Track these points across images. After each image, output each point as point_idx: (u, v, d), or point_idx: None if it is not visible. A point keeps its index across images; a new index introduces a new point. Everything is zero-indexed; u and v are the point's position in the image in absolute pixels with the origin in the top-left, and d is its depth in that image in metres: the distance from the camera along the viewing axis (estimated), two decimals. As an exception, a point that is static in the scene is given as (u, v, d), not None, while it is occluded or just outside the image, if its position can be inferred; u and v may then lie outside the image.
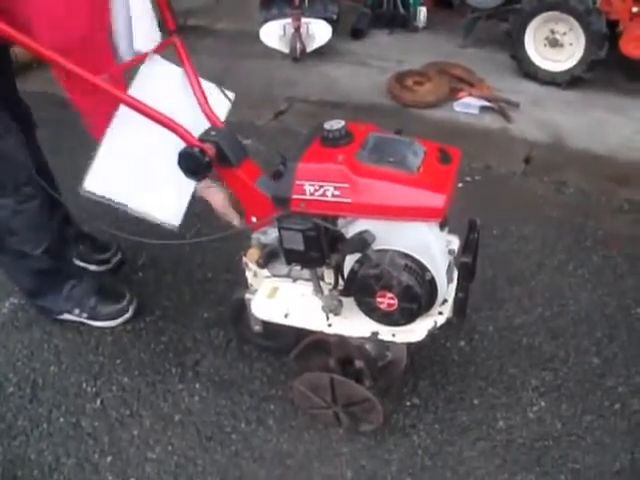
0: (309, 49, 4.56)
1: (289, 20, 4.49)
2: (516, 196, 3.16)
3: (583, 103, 3.92)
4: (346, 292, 1.82)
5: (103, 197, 1.81)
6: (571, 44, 3.97)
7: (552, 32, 3.99)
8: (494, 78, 4.10)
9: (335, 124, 1.69)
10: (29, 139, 2.31)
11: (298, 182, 1.67)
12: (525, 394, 2.19)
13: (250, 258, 1.92)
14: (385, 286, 1.70)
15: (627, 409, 2.12)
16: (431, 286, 1.72)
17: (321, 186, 1.65)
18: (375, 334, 1.84)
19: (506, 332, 2.40)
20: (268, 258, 1.92)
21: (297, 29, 4.48)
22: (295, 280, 1.98)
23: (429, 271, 1.70)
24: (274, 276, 2.00)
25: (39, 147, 2.50)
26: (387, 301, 1.72)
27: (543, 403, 2.16)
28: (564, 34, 3.97)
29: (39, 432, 2.18)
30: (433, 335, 2.31)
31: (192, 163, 1.75)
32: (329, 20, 4.58)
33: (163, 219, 1.88)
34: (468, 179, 3.22)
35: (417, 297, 1.69)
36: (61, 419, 2.22)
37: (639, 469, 1.96)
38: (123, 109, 1.77)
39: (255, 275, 2.03)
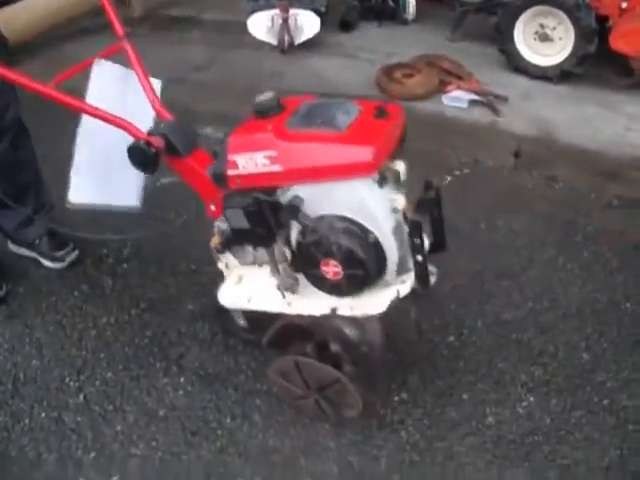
0: (297, 41, 4.51)
1: (277, 11, 4.44)
2: (505, 190, 3.13)
3: (573, 98, 3.89)
4: (295, 266, 1.79)
5: (87, 205, 2.05)
6: (561, 38, 3.93)
7: (542, 26, 3.96)
8: (483, 72, 4.07)
9: (265, 95, 1.69)
10: None
11: (230, 157, 1.67)
12: (514, 389, 2.17)
13: (213, 246, 1.91)
14: (326, 253, 1.67)
15: (616, 404, 2.10)
16: (376, 249, 1.67)
17: (251, 158, 1.64)
18: (334, 310, 1.80)
19: (495, 327, 2.38)
20: (226, 243, 1.89)
21: (285, 20, 4.43)
22: (261, 265, 1.94)
23: (371, 232, 1.65)
24: (242, 264, 1.97)
25: None
26: (332, 269, 1.69)
27: (532, 398, 2.14)
28: (554, 28, 3.94)
29: (20, 428, 2.14)
30: (421, 330, 2.32)
31: (140, 156, 1.80)
32: (317, 12, 4.53)
33: (126, 204, 2.11)
34: (457, 173, 3.20)
35: (361, 262, 1.65)
36: (43, 414, 2.18)
37: (628, 465, 1.95)
38: (84, 120, 1.99)
39: (227, 266, 2.00)
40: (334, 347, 1.89)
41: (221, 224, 1.91)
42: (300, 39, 4.52)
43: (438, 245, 1.84)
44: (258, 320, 2.01)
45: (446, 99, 3.85)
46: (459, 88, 3.88)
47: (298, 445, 2.03)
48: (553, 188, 3.16)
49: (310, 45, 4.56)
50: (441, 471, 1.96)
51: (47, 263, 2.69)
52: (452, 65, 4.07)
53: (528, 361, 2.25)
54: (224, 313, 2.18)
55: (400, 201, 1.72)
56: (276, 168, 1.64)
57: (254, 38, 4.55)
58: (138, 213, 2.20)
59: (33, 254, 2.71)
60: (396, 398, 2.14)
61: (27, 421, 2.16)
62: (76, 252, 2.69)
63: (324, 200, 1.67)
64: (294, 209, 1.65)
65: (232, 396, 2.17)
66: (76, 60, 2.04)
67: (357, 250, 1.64)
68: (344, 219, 1.66)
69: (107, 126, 1.89)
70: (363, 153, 1.57)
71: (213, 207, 1.90)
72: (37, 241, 2.67)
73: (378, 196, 1.68)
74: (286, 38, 4.47)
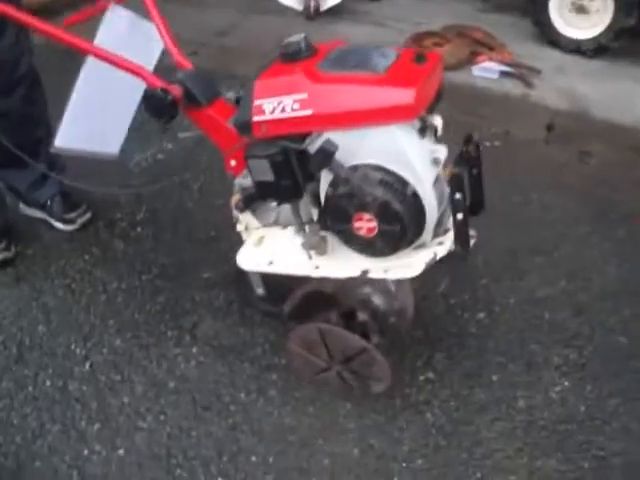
0: (324, 7, 4.30)
1: (303, -25, 4.24)
2: (537, 164, 2.93)
3: (608, 73, 3.67)
4: (324, 223, 1.62)
5: (71, 150, 1.90)
6: (598, 10, 3.70)
7: (578, -3, 3.73)
8: (515, 44, 3.85)
9: (295, 37, 1.53)
10: None
11: (256, 102, 1.51)
12: (547, 373, 1.99)
13: (233, 204, 1.75)
14: (360, 206, 1.49)
15: (657, 393, 1.92)
16: (415, 202, 1.50)
17: (280, 102, 1.48)
18: (365, 272, 1.63)
19: (527, 305, 2.19)
20: (248, 201, 1.73)
21: (311, -14, 4.23)
22: (285, 227, 1.78)
23: (409, 184, 1.48)
24: (264, 226, 1.81)
25: None
26: (365, 225, 1.52)
27: (566, 383, 1.96)
28: (591, 0, 3.71)
29: (24, 395, 2.00)
30: (449, 305, 2.14)
31: (156, 104, 1.65)
32: (346, -23, 4.32)
33: (104, 151, 1.97)
34: (487, 144, 2.99)
35: (398, 215, 1.47)
36: (47, 382, 2.03)
37: (668, 458, 1.77)
38: (87, 65, 1.83)
39: (247, 229, 1.84)
40: (361, 316, 1.73)
41: (242, 181, 1.74)
42: (327, 5, 4.30)
43: (477, 205, 1.66)
44: (278, 290, 1.86)
45: (476, 70, 3.64)
46: (490, 59, 3.67)
47: (316, 425, 1.86)
48: (587, 163, 2.95)
49: (337, 12, 4.34)
50: (468, 457, 1.79)
51: (58, 225, 2.53)
52: (484, 35, 3.85)
53: (562, 343, 2.07)
54: (242, 281, 2.02)
55: (442, 152, 1.54)
56: (307, 112, 1.46)
57: (278, 3, 4.34)
58: (153, 175, 2.05)
59: (44, 216, 2.55)
60: (421, 377, 1.97)
61: (31, 388, 2.01)
62: (88, 214, 2.53)
63: (358, 149, 1.49)
64: (327, 155, 1.47)
65: (247, 370, 2.00)
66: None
67: (394, 203, 1.46)
68: (380, 169, 1.48)
69: (110, 73, 1.73)
70: (404, 95, 1.40)
71: (234, 162, 1.73)
72: (49, 202, 2.51)
73: (418, 145, 1.51)
74: (312, 3, 4.25)
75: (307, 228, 1.68)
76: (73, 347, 2.11)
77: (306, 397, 1.92)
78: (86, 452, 1.85)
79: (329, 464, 1.78)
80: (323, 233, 1.65)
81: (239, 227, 1.87)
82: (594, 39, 3.73)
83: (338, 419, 1.88)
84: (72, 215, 2.51)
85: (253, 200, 1.74)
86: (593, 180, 2.83)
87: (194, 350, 2.07)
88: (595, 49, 3.75)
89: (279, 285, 1.86)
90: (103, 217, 2.57)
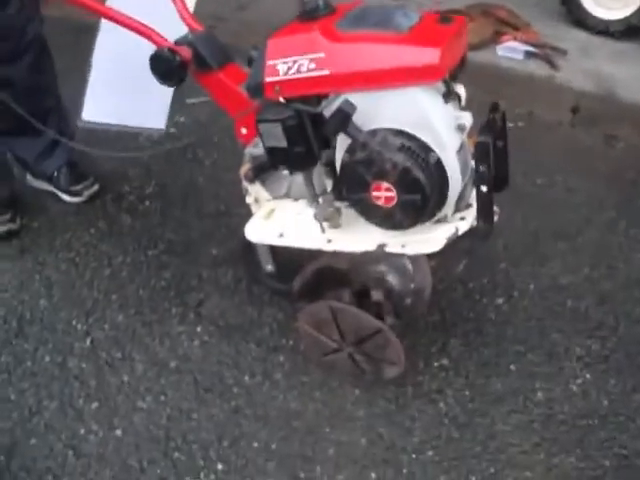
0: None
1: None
2: (562, 146, 2.77)
3: (636, 55, 3.47)
4: (339, 193, 1.49)
5: (101, 124, 1.83)
6: (630, -10, 3.50)
7: (608, -25, 3.53)
8: (541, 24, 3.65)
9: None
10: None
11: (270, 62, 1.39)
12: (568, 364, 1.84)
13: (242, 174, 1.63)
14: (378, 173, 1.36)
15: (685, 389, 1.77)
16: (438, 170, 1.36)
17: (295, 61, 1.36)
18: (382, 246, 1.50)
19: (549, 292, 2.04)
20: (258, 170, 1.61)
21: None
22: (297, 200, 1.65)
23: (432, 151, 1.35)
24: (274, 198, 1.69)
25: None
26: (384, 194, 1.38)
27: (588, 375, 1.81)
28: (623, -21, 3.51)
29: (22, 370, 1.90)
30: (467, 289, 2.00)
31: (163, 65, 1.55)
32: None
33: (151, 125, 1.87)
34: (510, 125, 2.81)
35: (419, 184, 1.34)
36: (47, 357, 1.92)
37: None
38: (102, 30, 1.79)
39: (257, 201, 1.71)
40: (375, 295, 1.60)
41: (253, 149, 1.64)
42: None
43: (501, 181, 1.51)
44: (288, 267, 1.73)
45: (500, 50, 3.45)
46: (515, 39, 3.48)
47: (323, 411, 1.74)
48: (614, 147, 2.79)
49: (358, -11, 4.17)
50: (481, 451, 1.65)
51: (65, 197, 2.41)
52: (508, 14, 3.65)
53: (584, 333, 1.92)
54: (250, 258, 1.89)
55: (467, 118, 1.40)
56: (323, 73, 1.34)
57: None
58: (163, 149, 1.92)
59: (51, 188, 2.43)
60: (436, 364, 1.83)
61: (30, 364, 1.90)
62: (96, 187, 2.41)
63: (378, 112, 1.36)
64: (344, 117, 1.33)
65: (253, 351, 1.88)
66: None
67: (415, 170, 1.32)
68: (401, 134, 1.35)
69: (129, 38, 1.62)
70: (428, 55, 1.27)
71: (245, 130, 1.62)
72: (56, 173, 2.39)
73: (442, 110, 1.38)
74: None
75: (320, 199, 1.55)
76: (74, 322, 1.99)
77: (313, 382, 1.80)
78: (83, 431, 1.74)
79: (334, 453, 1.65)
80: (337, 204, 1.53)
81: (248, 199, 1.75)
82: (624, 20, 3.53)
83: (346, 406, 1.75)
84: (79, 187, 2.39)
85: (263, 169, 1.62)
86: (620, 164, 2.67)
87: (198, 329, 1.95)
88: (624, 30, 3.55)
89: (289, 262, 1.74)
90: (111, 190, 2.44)
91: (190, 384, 1.81)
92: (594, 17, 3.62)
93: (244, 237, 1.84)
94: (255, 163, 1.62)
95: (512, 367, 1.83)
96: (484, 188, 1.39)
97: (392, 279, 1.61)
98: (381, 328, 1.57)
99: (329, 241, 1.55)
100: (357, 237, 1.53)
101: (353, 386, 1.78)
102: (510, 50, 3.43)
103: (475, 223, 1.48)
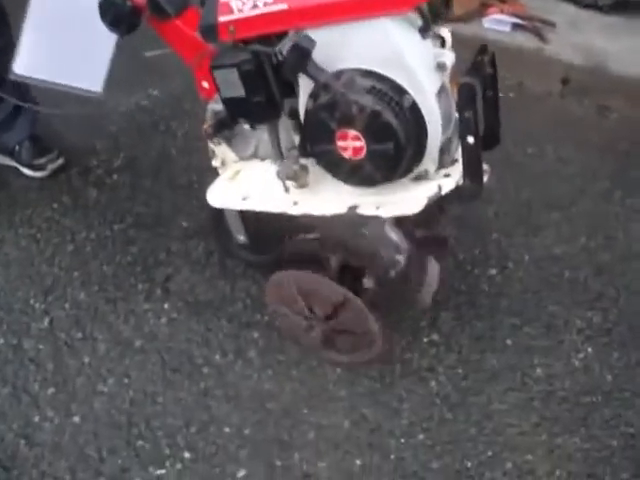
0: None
1: None
2: (552, 116, 2.57)
3: (626, 28, 3.27)
4: (304, 148, 1.29)
5: (33, 79, 1.58)
6: (616, -39, 3.30)
7: (595, -55, 3.33)
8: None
9: None
10: None
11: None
12: (568, 337, 1.66)
13: (204, 133, 1.43)
14: (343, 119, 1.15)
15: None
16: (413, 115, 1.15)
17: None
18: (354, 208, 1.29)
19: (544, 263, 1.85)
20: (218, 127, 1.41)
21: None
22: (264, 160, 1.45)
23: (407, 93, 1.14)
24: (241, 159, 1.48)
25: None
26: (351, 144, 1.17)
27: (590, 349, 1.63)
28: (610, -51, 3.31)
29: (-27, 353, 1.67)
30: (458, 260, 1.81)
31: (113, 10, 1.35)
32: None
33: (87, 87, 1.59)
34: (500, 95, 2.62)
35: (391, 130, 1.13)
36: (0, 339, 1.70)
37: None
38: None
39: (223, 164, 1.50)
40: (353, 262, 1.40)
41: (215, 105, 1.42)
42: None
43: (491, 138, 1.31)
44: (262, 237, 1.52)
45: (487, 22, 3.24)
46: (502, 11, 3.28)
47: (301, 391, 1.54)
48: (607, 117, 2.59)
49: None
50: (477, 433, 1.47)
51: (27, 172, 2.18)
52: (494, -12, 3.46)
53: (584, 305, 1.73)
54: (221, 228, 1.70)
55: (448, 57, 1.20)
56: (282, 7, 1.14)
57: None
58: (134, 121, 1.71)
59: (12, 162, 2.21)
60: (425, 339, 1.64)
61: (-18, 346, 1.69)
62: (60, 160, 2.19)
63: (344, 50, 1.15)
64: (302, 54, 1.12)
65: (225, 328, 1.68)
66: None
67: (386, 114, 1.12)
68: (371, 74, 1.14)
69: None
70: None
71: (207, 84, 1.41)
72: (17, 147, 2.17)
73: (418, 46, 1.16)
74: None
75: (285, 153, 1.34)
76: (32, 302, 1.78)
77: (291, 360, 1.60)
78: (37, 419, 1.54)
79: (314, 437, 1.46)
80: (304, 162, 1.31)
81: (215, 162, 1.54)
82: (613, -8, 3.34)
83: (327, 385, 1.55)
84: (42, 161, 2.16)
85: (224, 125, 1.41)
86: (613, 135, 2.47)
87: (166, 305, 1.74)
88: (613, 4, 3.35)
89: (263, 233, 1.54)
90: (77, 164, 2.21)
91: (156, 364, 1.61)
92: (581, -10, 3.44)
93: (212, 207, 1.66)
94: (217, 118, 1.41)
95: (508, 341, 1.64)
96: (470, 139, 1.18)
97: (369, 246, 1.40)
98: (347, 296, 1.37)
99: (295, 203, 1.35)
100: (326, 199, 1.32)
101: (334, 365, 1.58)
102: (497, 22, 3.22)
103: (461, 182, 1.27)
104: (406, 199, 1.24)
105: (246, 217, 1.58)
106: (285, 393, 1.53)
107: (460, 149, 1.24)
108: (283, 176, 1.31)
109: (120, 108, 2.37)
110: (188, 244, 1.89)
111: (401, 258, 1.42)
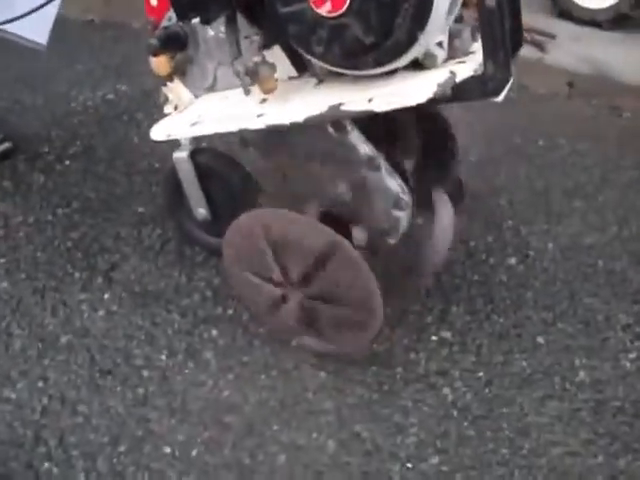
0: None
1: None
2: (561, 114, 2.19)
3: (628, 42, 2.94)
4: (267, 36, 0.95)
5: None
6: (618, -25, 2.98)
7: (594, -40, 3.02)
8: (524, 16, 3.13)
9: None
10: None
11: None
12: (613, 334, 1.23)
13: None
14: None
15: None
16: None
17: None
18: (336, 107, 0.90)
19: (573, 252, 1.42)
20: (165, 40, 1.05)
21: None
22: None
23: None
24: (197, 96, 1.12)
25: None
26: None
27: (641, 348, 1.18)
28: (609, -37, 2.99)
29: None
30: (469, 247, 1.38)
31: None
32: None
33: (31, 37, 1.50)
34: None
35: None
36: None
37: None
38: None
39: (177, 108, 1.11)
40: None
41: (165, 22, 1.08)
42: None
43: (515, 42, 0.93)
44: (226, 210, 1.11)
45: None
46: (498, 23, 2.93)
47: (270, 402, 1.08)
48: (620, 116, 2.22)
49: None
50: (510, 454, 1.01)
51: None
52: (489, 4, 3.13)
53: (627, 298, 1.31)
54: (176, 203, 1.28)
55: None
56: None
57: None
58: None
59: None
60: (433, 337, 1.19)
61: None
62: (6, 144, 1.78)
63: None
64: None
65: (176, 323, 1.23)
66: None
67: None
68: None
69: None
70: None
71: (155, 1, 1.08)
72: None
73: None
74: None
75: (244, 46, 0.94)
76: (-58, 292, 1.34)
77: (257, 362, 1.14)
78: None
79: (286, 462, 1.00)
80: (270, 59, 0.90)
81: (167, 108, 1.16)
82: (612, 7, 3.00)
83: (305, 395, 1.10)
84: None
85: (171, 39, 1.01)
86: (630, 131, 2.09)
87: (106, 296, 1.30)
88: (613, 19, 3.02)
89: (226, 203, 1.12)
90: (27, 150, 1.80)
91: (83, 365, 1.15)
92: (580, 6, 3.10)
93: (168, 176, 1.25)
94: (165, 31, 1.02)
95: (540, 340, 1.20)
96: (490, 1, 0.77)
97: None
98: (337, 242, 0.93)
99: (259, 116, 0.93)
100: (299, 101, 0.91)
101: (316, 368, 1.13)
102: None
103: (481, 70, 0.86)
104: (409, 87, 0.84)
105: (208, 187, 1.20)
106: (249, 404, 1.08)
107: (477, 45, 0.85)
108: (241, 73, 0.90)
109: (86, 102, 1.98)
110: (142, 230, 1.46)
111: (402, 215, 1.00)
